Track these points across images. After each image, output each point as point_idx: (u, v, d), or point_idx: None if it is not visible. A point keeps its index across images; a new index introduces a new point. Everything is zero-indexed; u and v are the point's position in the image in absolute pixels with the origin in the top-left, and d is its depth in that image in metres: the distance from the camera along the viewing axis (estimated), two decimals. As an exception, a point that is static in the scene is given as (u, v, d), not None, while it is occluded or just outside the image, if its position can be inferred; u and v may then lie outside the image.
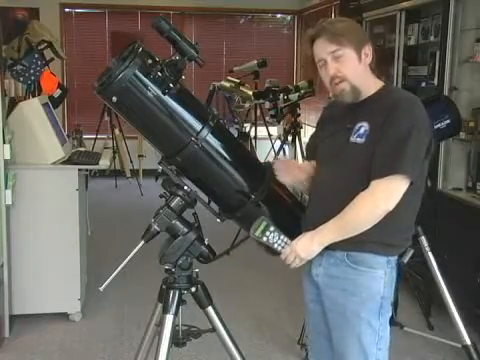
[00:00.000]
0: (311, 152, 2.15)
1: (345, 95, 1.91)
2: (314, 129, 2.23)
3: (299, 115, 5.27)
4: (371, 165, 1.82)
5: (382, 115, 1.84)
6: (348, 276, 1.93)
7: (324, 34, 1.87)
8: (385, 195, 1.81)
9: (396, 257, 1.96)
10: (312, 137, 2.20)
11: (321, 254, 1.95)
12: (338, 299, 1.95)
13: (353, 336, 1.95)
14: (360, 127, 1.88)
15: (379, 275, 1.92)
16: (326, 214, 1.88)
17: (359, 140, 1.87)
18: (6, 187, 3.27)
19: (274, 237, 1.89)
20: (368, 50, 1.91)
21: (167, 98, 1.86)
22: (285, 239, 1.90)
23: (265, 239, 1.89)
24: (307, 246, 1.87)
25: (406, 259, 2.10)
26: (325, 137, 2.05)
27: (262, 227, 1.88)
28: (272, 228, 1.89)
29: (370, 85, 1.93)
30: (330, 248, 1.92)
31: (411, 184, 1.82)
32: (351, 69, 1.88)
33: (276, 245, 1.90)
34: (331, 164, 1.98)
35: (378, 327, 1.94)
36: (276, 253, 1.93)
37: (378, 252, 1.91)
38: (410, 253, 2.10)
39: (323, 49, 1.88)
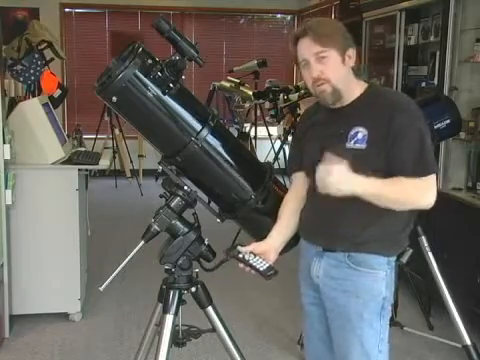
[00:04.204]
0: (296, 163, 2.08)
1: (326, 97, 1.89)
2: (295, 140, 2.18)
3: (299, 115, 5.27)
4: (400, 168, 1.82)
5: (384, 118, 1.82)
6: (349, 277, 1.91)
7: (309, 34, 1.85)
8: (432, 191, 1.88)
9: (395, 258, 1.96)
10: (294, 148, 2.15)
11: (321, 255, 1.95)
12: (339, 301, 1.93)
13: (355, 338, 1.93)
14: (356, 132, 1.85)
15: (381, 276, 1.91)
16: (327, 218, 1.90)
17: (358, 145, 1.85)
18: (6, 187, 3.27)
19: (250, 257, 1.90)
20: (351, 53, 1.89)
21: (167, 98, 1.86)
22: (263, 261, 1.91)
23: (240, 255, 1.90)
24: (345, 179, 1.72)
25: (405, 259, 2.09)
26: (312, 145, 1.98)
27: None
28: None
29: (353, 88, 1.91)
30: (331, 249, 1.92)
31: None
32: (334, 71, 1.86)
33: (254, 263, 1.89)
34: None
35: (379, 329, 1.93)
36: (261, 273, 1.89)
37: (379, 252, 1.90)
38: (409, 253, 2.09)
39: (307, 49, 1.86)
